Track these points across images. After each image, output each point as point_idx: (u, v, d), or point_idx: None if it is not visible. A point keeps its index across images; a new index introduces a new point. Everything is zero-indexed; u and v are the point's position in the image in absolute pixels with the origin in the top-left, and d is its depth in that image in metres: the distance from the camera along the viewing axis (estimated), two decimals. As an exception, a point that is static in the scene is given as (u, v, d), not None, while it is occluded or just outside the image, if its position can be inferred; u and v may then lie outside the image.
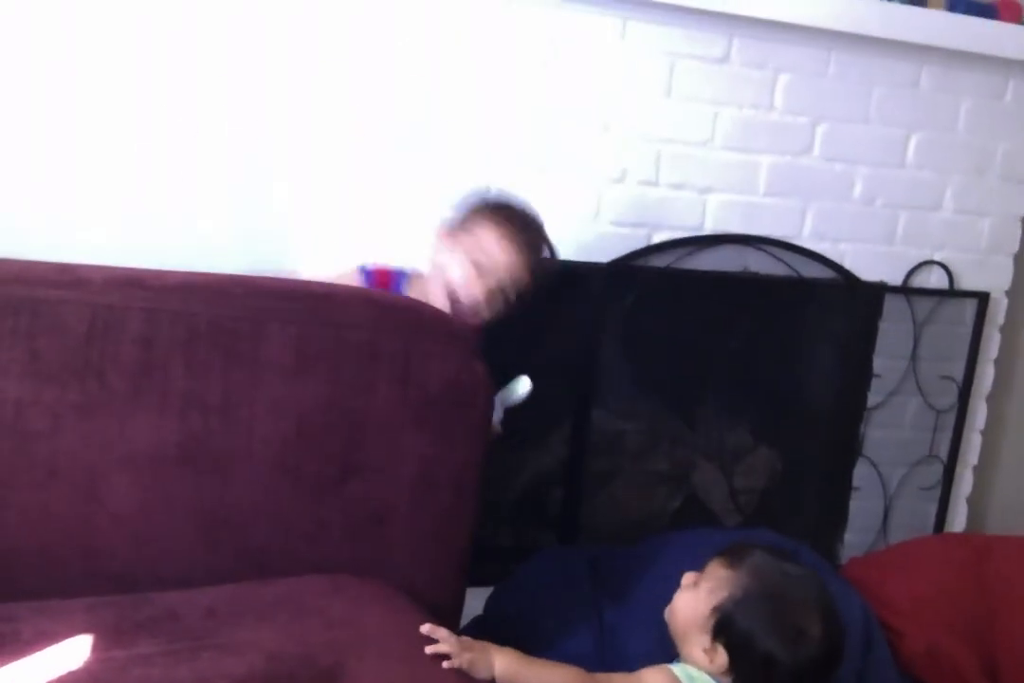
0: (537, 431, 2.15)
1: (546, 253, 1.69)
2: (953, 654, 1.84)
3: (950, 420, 2.50)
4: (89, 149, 1.91)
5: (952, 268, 2.41)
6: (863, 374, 2.42)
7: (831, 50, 2.19)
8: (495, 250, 1.59)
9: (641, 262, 2.16)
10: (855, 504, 2.48)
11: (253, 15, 1.92)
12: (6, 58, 1.85)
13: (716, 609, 1.26)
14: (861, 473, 2.46)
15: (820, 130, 2.23)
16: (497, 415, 1.64)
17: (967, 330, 2.47)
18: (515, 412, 1.71)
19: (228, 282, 1.37)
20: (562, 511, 2.25)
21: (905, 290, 2.38)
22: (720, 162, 2.17)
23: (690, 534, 1.91)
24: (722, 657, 1.25)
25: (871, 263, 2.34)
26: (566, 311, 2.16)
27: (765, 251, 2.25)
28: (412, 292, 1.67)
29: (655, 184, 2.13)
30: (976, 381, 2.51)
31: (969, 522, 2.62)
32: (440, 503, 1.37)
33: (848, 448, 2.45)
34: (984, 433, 2.58)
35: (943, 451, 2.52)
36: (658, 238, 2.16)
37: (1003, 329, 2.52)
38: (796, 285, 2.31)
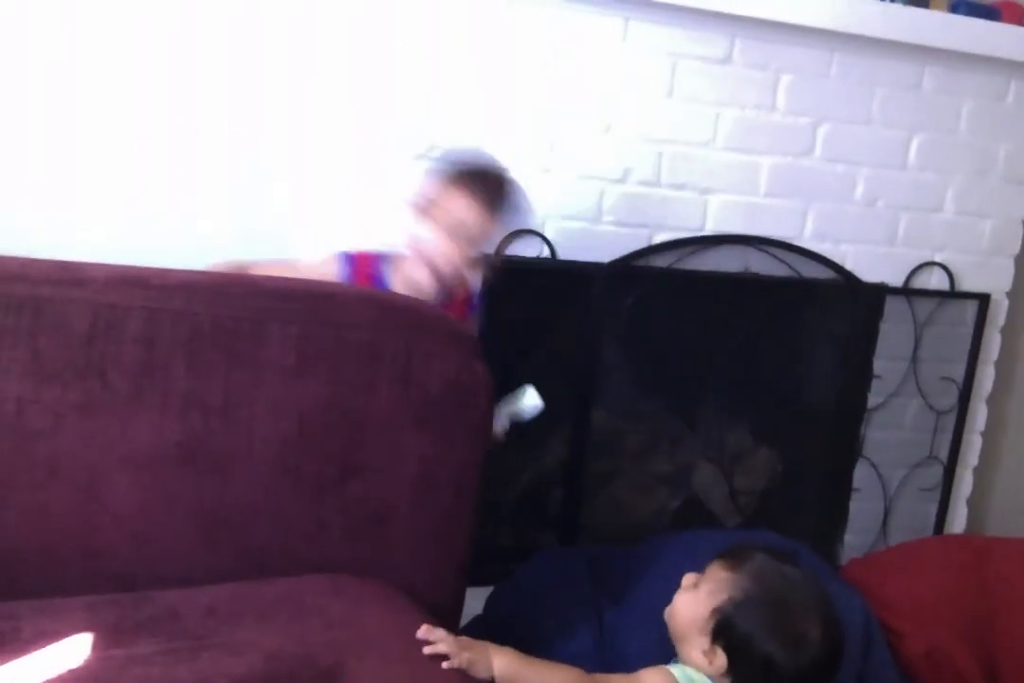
0: (537, 431, 2.15)
1: (520, 207, 1.69)
2: (953, 655, 1.83)
3: (950, 421, 2.50)
4: (89, 149, 1.92)
5: (953, 269, 2.41)
6: (864, 375, 2.42)
7: (833, 51, 2.19)
8: (467, 216, 1.60)
9: (642, 262, 2.16)
10: (855, 505, 2.48)
11: (253, 15, 1.93)
12: (7, 59, 1.85)
13: (716, 611, 1.26)
14: (861, 474, 2.46)
15: (822, 131, 2.23)
16: (502, 424, 1.64)
17: (968, 331, 2.47)
18: (521, 423, 1.71)
19: (230, 282, 1.37)
20: (562, 511, 2.25)
21: (906, 291, 2.38)
22: (722, 163, 2.17)
23: (690, 535, 1.91)
24: (721, 659, 1.25)
25: (872, 264, 2.34)
26: (567, 311, 2.16)
27: (766, 252, 2.25)
28: (395, 273, 1.68)
29: (656, 184, 2.13)
30: (976, 382, 2.51)
31: (969, 523, 2.62)
32: (440, 503, 1.37)
33: (848, 449, 2.45)
34: (984, 434, 2.58)
35: (943, 452, 2.52)
36: (659, 238, 2.16)
37: (1004, 330, 2.52)
38: (797, 286, 2.31)
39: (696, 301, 2.27)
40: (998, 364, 2.54)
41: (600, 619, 1.69)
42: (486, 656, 1.23)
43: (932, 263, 2.39)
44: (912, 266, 2.38)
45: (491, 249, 1.75)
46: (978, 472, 2.60)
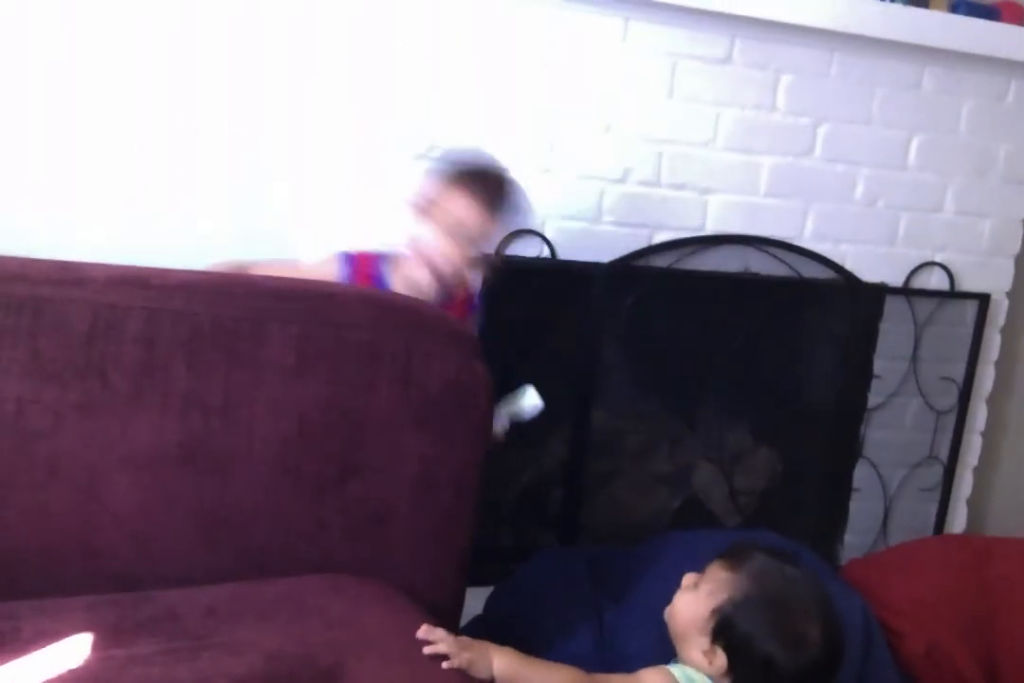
0: (537, 431, 2.15)
1: (519, 206, 1.69)
2: (953, 655, 1.83)
3: (950, 421, 2.50)
4: (89, 149, 1.92)
5: (953, 269, 2.41)
6: (864, 375, 2.42)
7: (833, 51, 2.19)
8: (466, 216, 1.60)
9: (642, 262, 2.16)
10: (855, 505, 2.48)
11: (253, 16, 1.93)
12: (7, 59, 1.85)
13: (716, 611, 1.26)
14: (861, 474, 2.46)
15: (822, 131, 2.23)
16: (502, 424, 1.64)
17: (968, 331, 2.47)
18: (520, 423, 1.71)
19: (230, 282, 1.37)
20: (562, 511, 2.25)
21: (906, 291, 2.38)
22: (722, 163, 2.17)
23: (690, 535, 1.91)
24: (721, 659, 1.25)
25: (872, 264, 2.34)
26: (567, 311, 2.16)
27: (766, 252, 2.25)
28: (395, 273, 1.68)
29: (657, 184, 2.13)
30: (976, 382, 2.51)
31: (969, 523, 2.62)
32: (440, 503, 1.37)
33: (848, 449, 2.45)
34: (984, 434, 2.58)
35: (943, 452, 2.52)
36: (659, 238, 2.16)
37: (1004, 330, 2.52)
38: (797, 286, 2.31)
39: (696, 301, 2.27)
40: (998, 364, 2.54)
41: (600, 619, 1.69)
42: (486, 656, 1.23)
43: (932, 263, 2.39)
44: (912, 266, 2.38)
45: (491, 249, 1.75)
46: (978, 472, 2.60)
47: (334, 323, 1.33)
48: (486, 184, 1.62)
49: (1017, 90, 2.35)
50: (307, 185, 1.95)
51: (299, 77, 1.95)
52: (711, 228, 2.20)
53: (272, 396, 1.29)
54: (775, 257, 2.26)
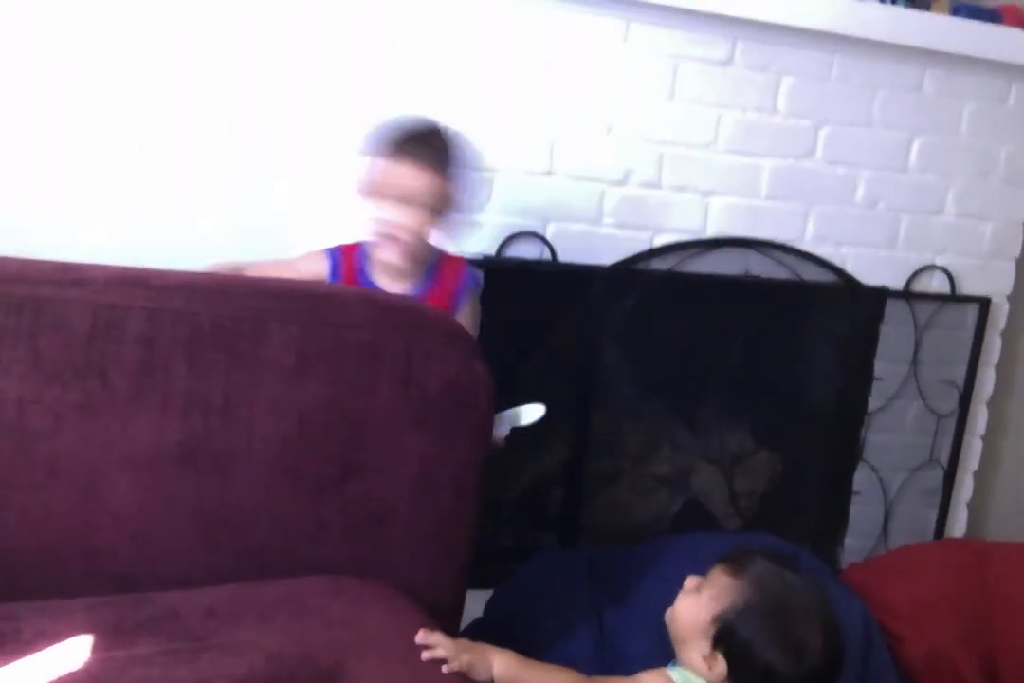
0: (538, 433, 2.15)
1: (462, 155, 1.64)
2: (953, 659, 1.83)
3: (951, 425, 2.50)
4: (90, 150, 1.92)
5: (954, 272, 2.41)
6: (864, 378, 2.42)
7: (834, 53, 2.19)
8: (411, 181, 1.56)
9: (643, 265, 2.16)
10: (855, 508, 2.48)
11: (253, 16, 1.93)
12: (7, 60, 1.85)
13: (718, 618, 1.25)
14: (861, 477, 2.46)
15: (823, 133, 2.23)
16: (503, 431, 1.63)
17: (968, 334, 2.47)
18: (520, 429, 1.71)
19: (230, 282, 1.37)
20: (562, 513, 2.25)
21: (906, 294, 2.38)
22: (722, 165, 2.17)
23: (690, 537, 1.91)
24: (721, 665, 1.25)
25: (873, 267, 2.34)
26: (568, 313, 2.16)
27: (767, 254, 2.25)
28: (373, 262, 1.66)
29: (657, 186, 2.13)
30: (977, 386, 2.51)
31: (969, 527, 2.62)
32: (440, 503, 1.37)
33: (849, 452, 2.45)
34: (985, 438, 2.58)
35: (944, 456, 2.52)
36: (660, 241, 2.16)
37: (1004, 334, 2.52)
38: (797, 289, 2.31)
39: (697, 304, 2.27)
40: (999, 367, 2.54)
41: (600, 620, 1.69)
42: (485, 658, 1.23)
43: (933, 266, 2.39)
44: (913, 269, 2.38)
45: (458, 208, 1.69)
46: (978, 476, 2.60)
47: (334, 323, 1.33)
48: (418, 145, 1.58)
49: (1018, 93, 2.35)
50: (307, 185, 1.95)
51: (299, 78, 1.95)
52: (712, 231, 2.20)
53: (272, 396, 1.29)
54: (776, 260, 2.26)
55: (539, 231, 2.05)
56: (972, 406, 2.52)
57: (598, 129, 2.06)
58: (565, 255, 2.08)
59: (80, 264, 1.31)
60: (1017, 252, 2.47)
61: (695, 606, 1.29)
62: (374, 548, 1.35)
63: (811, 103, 2.20)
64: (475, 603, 1.73)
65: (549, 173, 2.04)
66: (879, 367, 2.42)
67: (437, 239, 1.66)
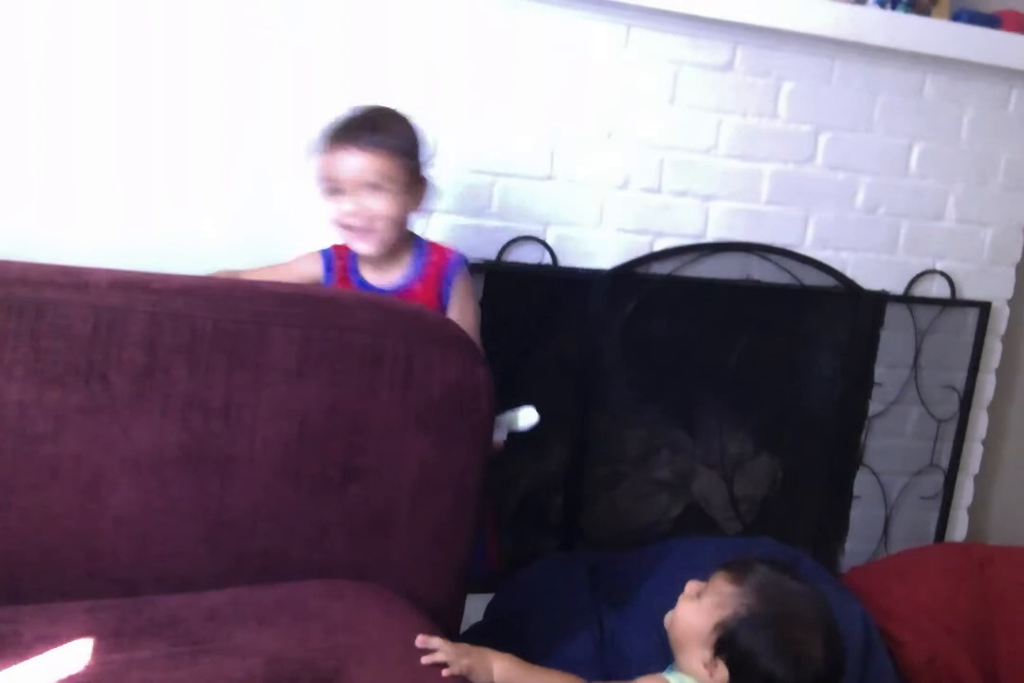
0: (538, 437, 2.15)
1: (407, 130, 1.62)
2: (954, 663, 1.83)
3: (951, 429, 2.50)
4: (89, 154, 1.93)
5: (954, 277, 2.41)
6: (864, 383, 2.42)
7: (835, 59, 2.19)
8: (358, 168, 1.54)
9: (644, 269, 2.16)
10: (856, 513, 2.47)
11: (253, 17, 1.94)
12: (7, 60, 1.86)
13: (719, 625, 1.26)
14: (862, 482, 2.46)
15: (823, 138, 2.24)
16: (500, 435, 1.64)
17: (968, 339, 2.47)
18: (518, 434, 1.71)
19: (231, 286, 1.37)
20: (563, 517, 2.25)
21: (907, 299, 2.38)
22: (723, 170, 2.17)
23: (691, 542, 1.91)
24: (722, 672, 1.25)
25: (873, 272, 2.35)
26: (568, 318, 2.16)
27: (767, 259, 2.25)
28: (360, 258, 1.65)
29: (658, 191, 2.13)
30: (977, 390, 2.51)
31: (970, 531, 2.62)
32: (441, 507, 1.37)
33: (849, 457, 2.44)
34: (985, 443, 2.57)
35: (944, 460, 2.52)
36: (661, 245, 2.16)
37: (1004, 338, 2.52)
38: (798, 293, 2.31)
39: (697, 308, 2.27)
40: (999, 372, 2.54)
41: (600, 625, 1.69)
42: (485, 662, 1.23)
43: (933, 271, 2.39)
44: (913, 274, 2.38)
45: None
46: (979, 480, 2.60)
47: (336, 326, 1.33)
48: (355, 131, 1.56)
49: (1018, 98, 2.35)
50: (308, 189, 1.95)
51: (297, 82, 1.96)
52: (712, 235, 2.20)
53: (273, 399, 1.29)
54: (776, 264, 2.26)
55: (540, 235, 2.05)
56: (972, 411, 2.51)
57: (599, 134, 2.06)
58: (566, 259, 2.08)
59: (81, 267, 1.32)
60: (1017, 257, 2.47)
61: (696, 612, 1.29)
62: (374, 551, 1.35)
63: (811, 108, 2.21)
64: (476, 607, 1.73)
65: (550, 177, 2.05)
66: (879, 372, 2.42)
67: (417, 227, 1.65)
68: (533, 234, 2.04)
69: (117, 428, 1.24)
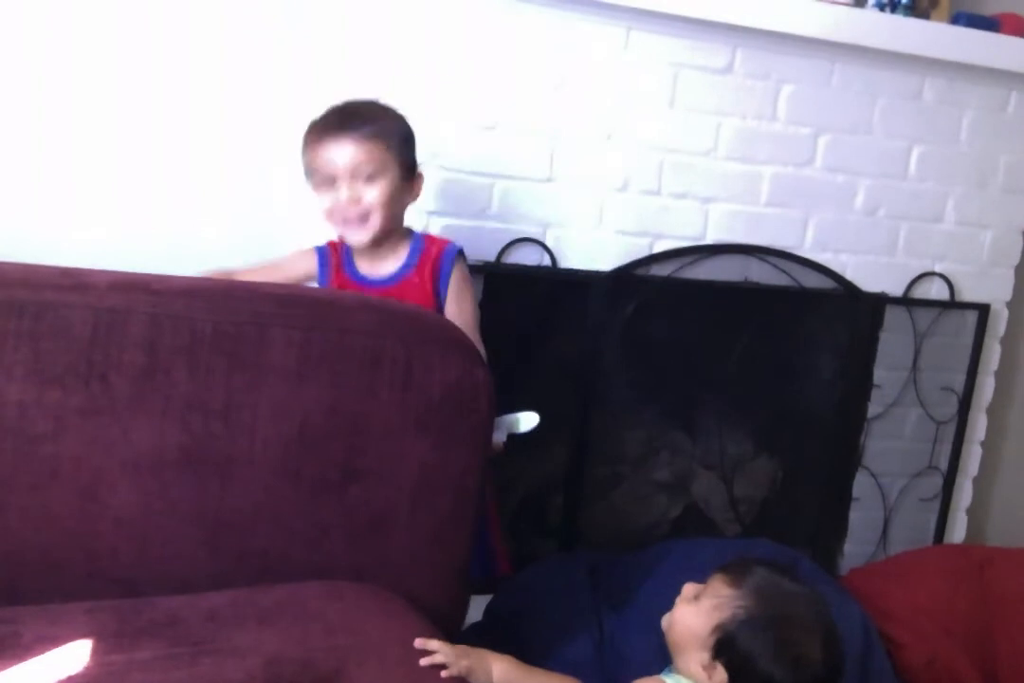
0: (537, 439, 2.15)
1: (388, 119, 1.62)
2: (953, 665, 1.83)
3: (950, 431, 2.50)
4: (90, 153, 1.93)
5: (953, 279, 2.41)
6: (864, 385, 2.42)
7: (834, 61, 2.19)
8: (343, 158, 1.54)
9: (643, 271, 2.16)
10: (855, 515, 2.48)
11: (253, 17, 1.94)
12: (7, 60, 1.86)
13: (718, 628, 1.26)
14: (861, 484, 2.46)
15: (823, 141, 2.24)
16: (500, 437, 1.64)
17: (968, 341, 2.47)
18: (518, 437, 1.71)
19: (231, 287, 1.37)
20: (562, 518, 2.25)
21: (906, 301, 2.38)
22: (722, 172, 2.17)
23: (690, 543, 1.91)
24: (721, 675, 1.25)
25: (872, 274, 2.35)
26: (568, 319, 2.16)
27: (767, 261, 2.26)
28: (355, 252, 1.66)
29: (658, 193, 2.13)
30: (976, 392, 2.51)
31: (969, 533, 2.62)
32: (441, 508, 1.37)
33: (848, 459, 2.45)
34: (984, 444, 2.57)
35: (943, 462, 2.52)
36: (660, 247, 2.16)
37: (1003, 341, 2.52)
38: (797, 295, 2.31)
39: (696, 310, 2.27)
40: (998, 374, 2.54)
41: (600, 626, 1.69)
42: (485, 663, 1.23)
43: (932, 273, 2.40)
44: (912, 276, 2.38)
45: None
46: (978, 482, 2.60)
47: (336, 328, 1.33)
48: (335, 123, 1.56)
49: (1017, 101, 2.35)
50: (308, 190, 1.96)
51: (298, 82, 1.96)
52: (712, 237, 2.20)
53: (273, 400, 1.29)
54: (775, 266, 2.26)
55: (539, 237, 2.05)
56: (971, 413, 2.52)
57: (598, 136, 2.06)
58: (565, 261, 2.08)
59: (81, 269, 1.32)
60: (1016, 259, 2.47)
61: (694, 615, 1.29)
62: (374, 552, 1.35)
63: (811, 111, 2.21)
64: (475, 608, 1.73)
65: (550, 179, 2.05)
66: (878, 374, 2.42)
67: (417, 228, 1.64)
68: (533, 236, 2.04)
69: (117, 429, 1.25)
